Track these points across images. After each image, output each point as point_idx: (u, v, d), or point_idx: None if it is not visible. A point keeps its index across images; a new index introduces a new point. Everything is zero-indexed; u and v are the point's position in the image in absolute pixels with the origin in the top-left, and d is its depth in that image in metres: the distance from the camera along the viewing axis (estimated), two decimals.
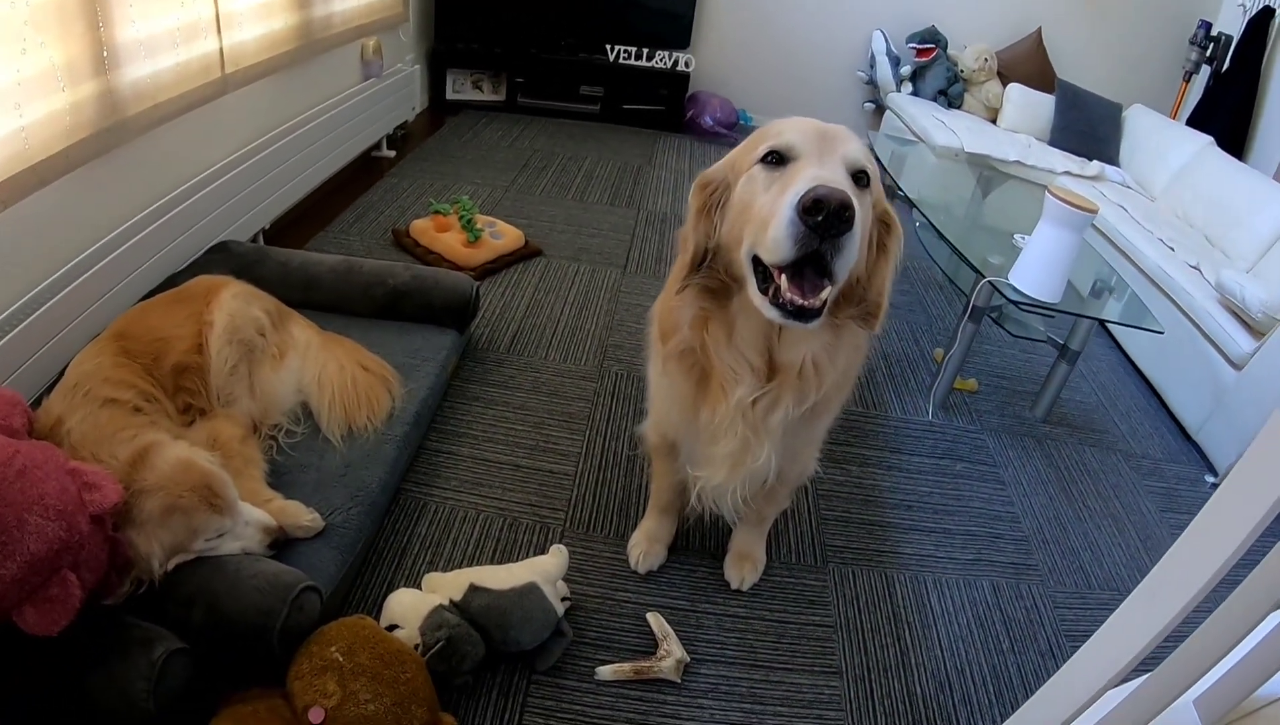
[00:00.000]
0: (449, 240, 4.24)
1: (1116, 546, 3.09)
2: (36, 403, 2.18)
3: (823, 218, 1.47)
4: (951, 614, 2.67)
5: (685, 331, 1.92)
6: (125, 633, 1.78)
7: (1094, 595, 2.81)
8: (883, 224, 1.80)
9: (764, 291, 1.65)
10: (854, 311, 1.82)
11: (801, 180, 1.54)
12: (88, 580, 1.71)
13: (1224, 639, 1.27)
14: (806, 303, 1.58)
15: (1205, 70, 6.80)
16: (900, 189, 4.38)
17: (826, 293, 1.59)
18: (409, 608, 2.11)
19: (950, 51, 7.04)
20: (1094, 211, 3.18)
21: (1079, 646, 1.39)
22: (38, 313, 2.56)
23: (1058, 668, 1.79)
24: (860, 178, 1.68)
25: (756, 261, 1.66)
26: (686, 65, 7.04)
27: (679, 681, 2.26)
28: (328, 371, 2.67)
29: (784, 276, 1.59)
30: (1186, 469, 3.69)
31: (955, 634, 2.60)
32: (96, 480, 1.75)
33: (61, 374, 2.22)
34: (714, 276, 1.83)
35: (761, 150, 1.69)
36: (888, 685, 2.39)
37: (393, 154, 5.70)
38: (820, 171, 1.57)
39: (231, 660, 1.91)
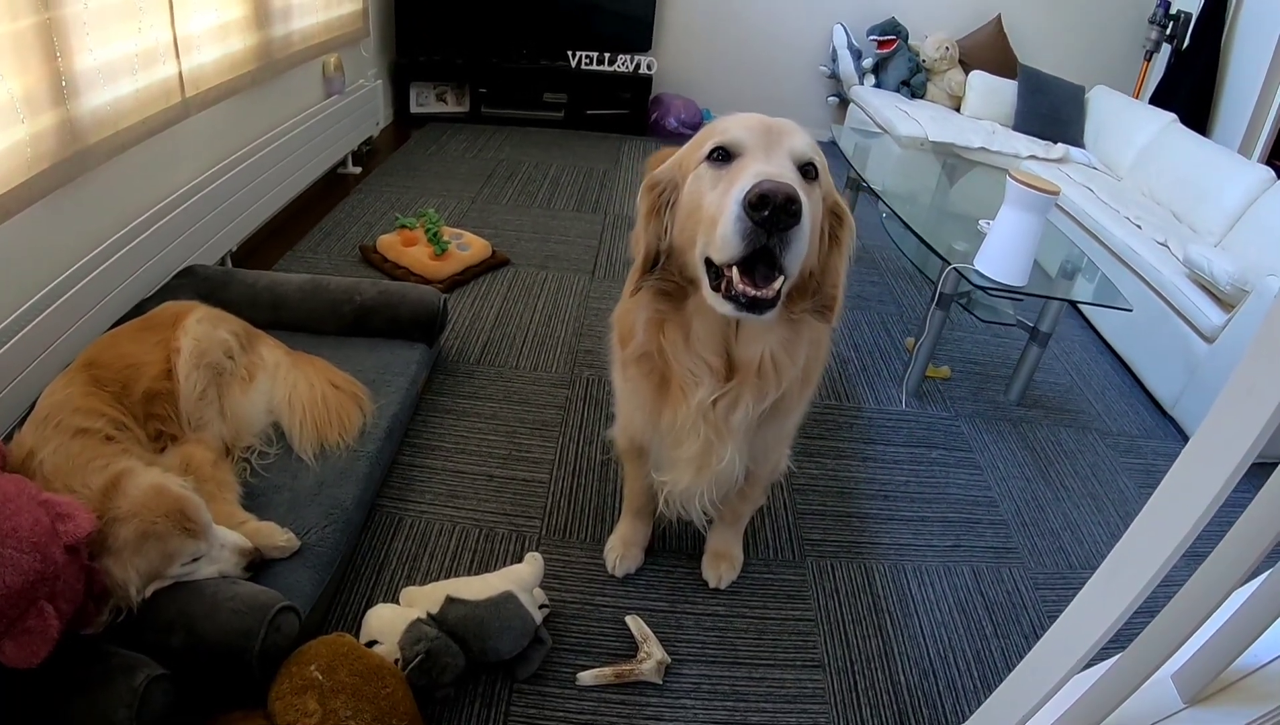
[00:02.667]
0: (416, 254, 4.24)
1: (1096, 525, 3.11)
2: (9, 437, 2.18)
3: (769, 212, 1.48)
4: (933, 602, 2.68)
5: (641, 335, 1.92)
6: (106, 661, 1.78)
7: (1075, 575, 2.82)
8: (834, 215, 1.79)
9: (716, 289, 1.65)
10: (809, 305, 1.82)
11: (747, 176, 1.54)
12: (65, 611, 1.71)
13: (1198, 611, 1.26)
14: (759, 293, 1.57)
15: (1166, 49, 6.87)
16: (865, 181, 4.40)
17: (779, 283, 1.59)
18: (387, 623, 2.11)
19: (911, 42, 7.09)
20: (1055, 193, 3.21)
21: None
22: (6, 346, 2.55)
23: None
24: (808, 170, 1.68)
25: (709, 261, 1.65)
26: (649, 68, 7.04)
27: (661, 683, 2.26)
28: (298, 391, 2.68)
29: (735, 270, 1.58)
30: (1164, 444, 3.71)
31: (937, 621, 2.61)
32: (69, 510, 1.75)
33: (32, 406, 2.22)
34: (668, 278, 1.83)
35: (707, 148, 1.69)
36: (871, 676, 2.40)
37: (358, 170, 5.69)
38: (766, 167, 1.57)
39: (212, 684, 1.91)
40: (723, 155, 1.67)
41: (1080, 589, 1.24)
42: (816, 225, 1.72)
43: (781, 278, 1.59)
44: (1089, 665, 1.41)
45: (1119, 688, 1.42)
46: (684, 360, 1.88)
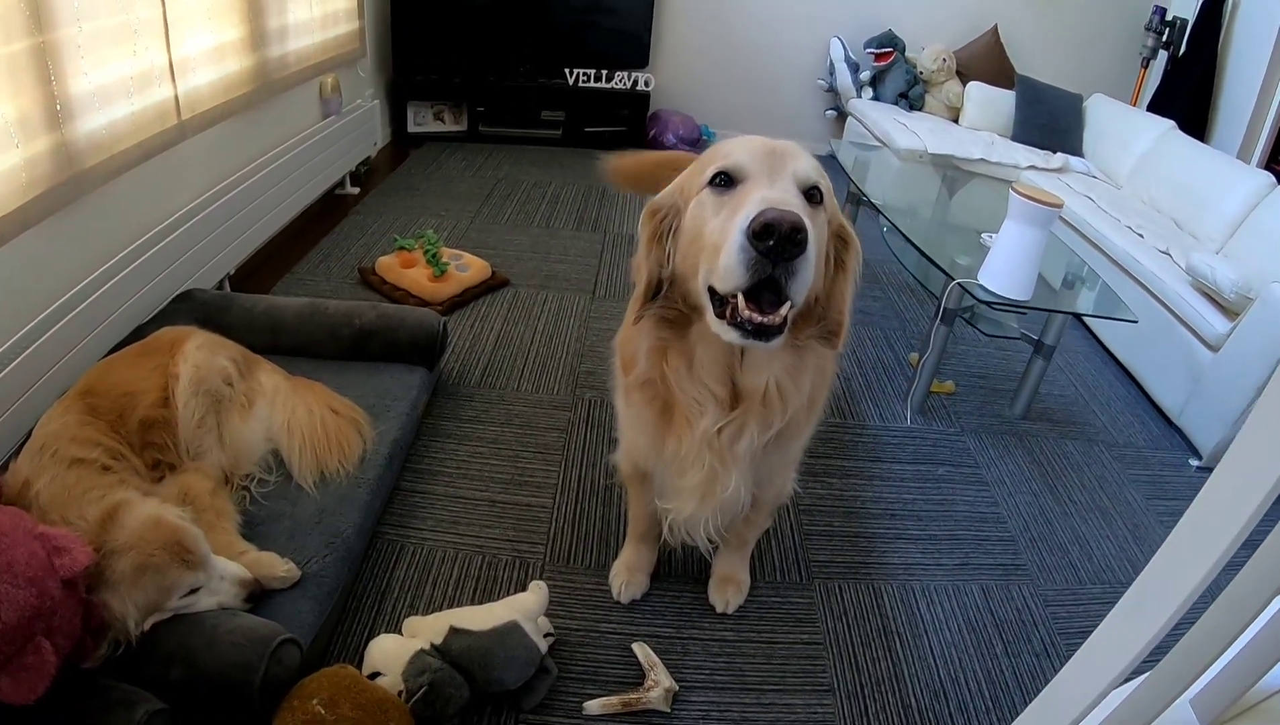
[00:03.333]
0: (415, 276, 4.23)
1: (1105, 538, 3.09)
2: (4, 467, 2.17)
3: (774, 242, 1.44)
4: (942, 621, 2.66)
5: (644, 363, 1.90)
6: (104, 695, 1.76)
7: (1085, 590, 2.81)
8: (839, 239, 1.77)
9: (721, 316, 1.61)
10: (815, 331, 1.80)
11: (751, 203, 1.51)
12: (62, 646, 1.69)
13: (1219, 637, 1.25)
14: (766, 320, 1.54)
15: (1163, 55, 6.87)
16: (865, 195, 4.39)
17: (786, 309, 1.55)
18: (390, 654, 2.09)
19: (908, 54, 7.11)
20: (1059, 206, 3.21)
21: (1073, 644, 1.38)
22: (1, 374, 2.53)
23: (1053, 667, 1.78)
24: (813, 195, 1.65)
25: (713, 289, 1.62)
26: (646, 84, 7.05)
27: (669, 711, 2.24)
28: (297, 417, 2.65)
29: (740, 297, 1.54)
30: (1170, 455, 3.71)
31: (947, 641, 2.59)
32: (66, 544, 1.73)
33: (28, 435, 2.21)
34: (670, 306, 1.80)
35: (709, 172, 1.66)
36: (882, 699, 2.38)
37: (357, 191, 5.69)
38: (770, 193, 1.54)
39: (213, 718, 1.89)
40: (725, 180, 1.64)
41: (1090, 604, 1.22)
42: (822, 250, 1.69)
43: (788, 304, 1.55)
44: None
45: (1139, 714, 1.39)
46: (688, 389, 1.85)
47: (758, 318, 1.54)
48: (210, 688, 1.85)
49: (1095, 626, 1.40)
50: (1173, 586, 1.17)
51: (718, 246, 1.56)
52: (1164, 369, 3.99)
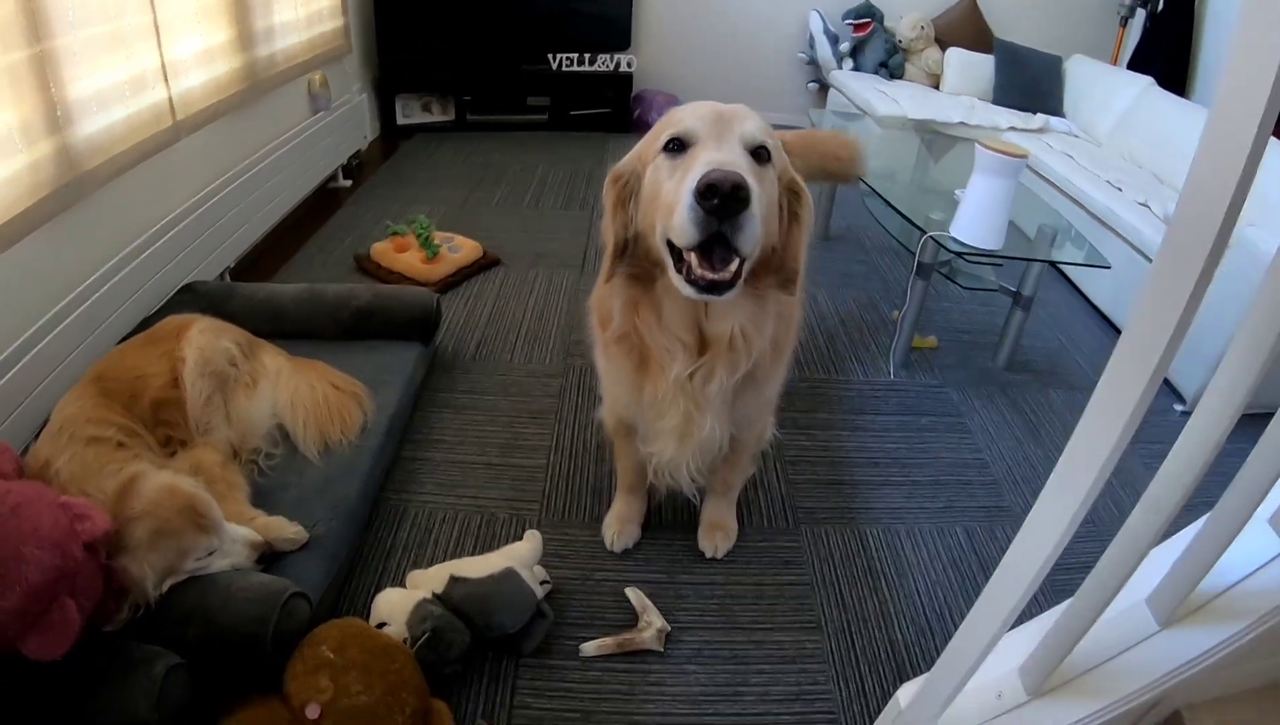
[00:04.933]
0: (408, 259, 4.32)
1: None
2: (25, 452, 2.27)
3: (718, 201, 1.56)
4: (927, 562, 2.73)
5: (618, 318, 2.02)
6: (125, 654, 1.85)
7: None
8: (792, 192, 1.88)
9: (680, 271, 1.73)
10: (773, 279, 1.92)
11: (698, 166, 1.63)
12: (85, 606, 1.79)
13: (1149, 531, 1.34)
14: (717, 276, 1.67)
15: (1141, 14, 6.86)
16: None
17: (735, 266, 1.68)
18: (395, 605, 2.19)
19: (887, 24, 7.15)
20: (1024, 157, 3.28)
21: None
22: (19, 365, 2.64)
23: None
24: (760, 153, 1.76)
25: (671, 245, 1.74)
26: (629, 66, 7.10)
27: (662, 650, 2.33)
28: (300, 393, 2.76)
29: (694, 255, 1.68)
30: (1157, 401, 3.71)
31: (932, 580, 2.66)
32: (86, 511, 1.83)
33: (47, 420, 2.31)
34: (637, 264, 1.93)
35: (663, 139, 1.78)
36: (868, 635, 2.45)
37: (349, 183, 5.76)
38: (716, 155, 1.66)
39: (229, 671, 1.97)
40: (677, 145, 1.76)
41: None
42: (773, 204, 1.81)
43: (738, 260, 1.68)
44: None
45: (1087, 612, 1.48)
46: (659, 338, 1.98)
47: (709, 275, 1.68)
48: (226, 642, 1.94)
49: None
50: (1078, 486, 1.26)
51: (671, 206, 1.69)
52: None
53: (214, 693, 1.94)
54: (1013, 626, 1.63)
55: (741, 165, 1.65)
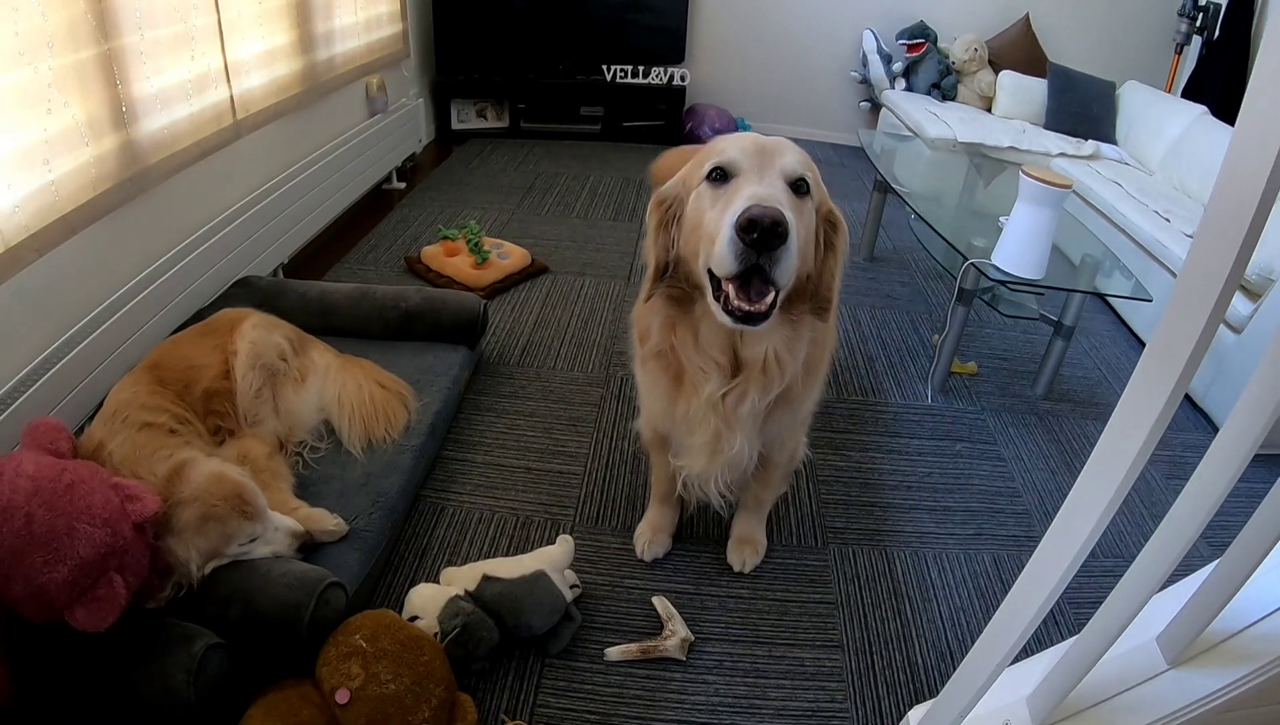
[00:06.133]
0: (458, 263, 4.38)
1: (1120, 515, 3.08)
2: (81, 431, 2.35)
3: (758, 235, 1.63)
4: (952, 587, 2.73)
5: (656, 336, 2.09)
6: (167, 630, 1.93)
7: (1096, 563, 2.80)
8: (829, 223, 1.95)
9: (718, 299, 1.80)
10: (808, 306, 1.98)
11: (740, 199, 1.70)
12: (132, 583, 1.86)
13: (1159, 568, 1.38)
14: (753, 308, 1.74)
15: (1197, 41, 6.79)
16: (890, 183, 4.48)
17: (770, 298, 1.74)
18: (428, 599, 2.25)
19: (940, 44, 7.12)
20: (1068, 186, 3.26)
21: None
22: (77, 349, 2.73)
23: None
24: (799, 186, 1.83)
25: (711, 272, 1.81)
26: (682, 79, 7.14)
27: (684, 659, 2.36)
28: (347, 390, 2.84)
29: (732, 286, 1.75)
30: (1192, 436, 3.70)
31: (957, 606, 2.66)
32: (137, 492, 1.92)
33: (101, 403, 2.40)
34: (677, 285, 1.99)
35: (707, 168, 1.84)
36: (889, 656, 2.46)
37: (403, 185, 5.84)
38: (758, 189, 1.72)
39: (265, 653, 2.05)
40: (720, 175, 1.83)
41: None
42: (810, 236, 1.87)
43: (773, 292, 1.75)
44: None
45: (1096, 645, 1.50)
46: (694, 358, 2.05)
47: (745, 307, 1.75)
48: (264, 625, 2.01)
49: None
50: (1091, 508, 1.29)
51: (713, 236, 1.76)
52: None
53: (249, 673, 2.01)
54: (1025, 656, 1.66)
55: (781, 199, 1.72)
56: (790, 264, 1.71)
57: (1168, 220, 4.67)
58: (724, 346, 2.01)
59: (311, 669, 2.00)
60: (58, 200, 2.69)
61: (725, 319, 1.80)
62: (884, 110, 7.17)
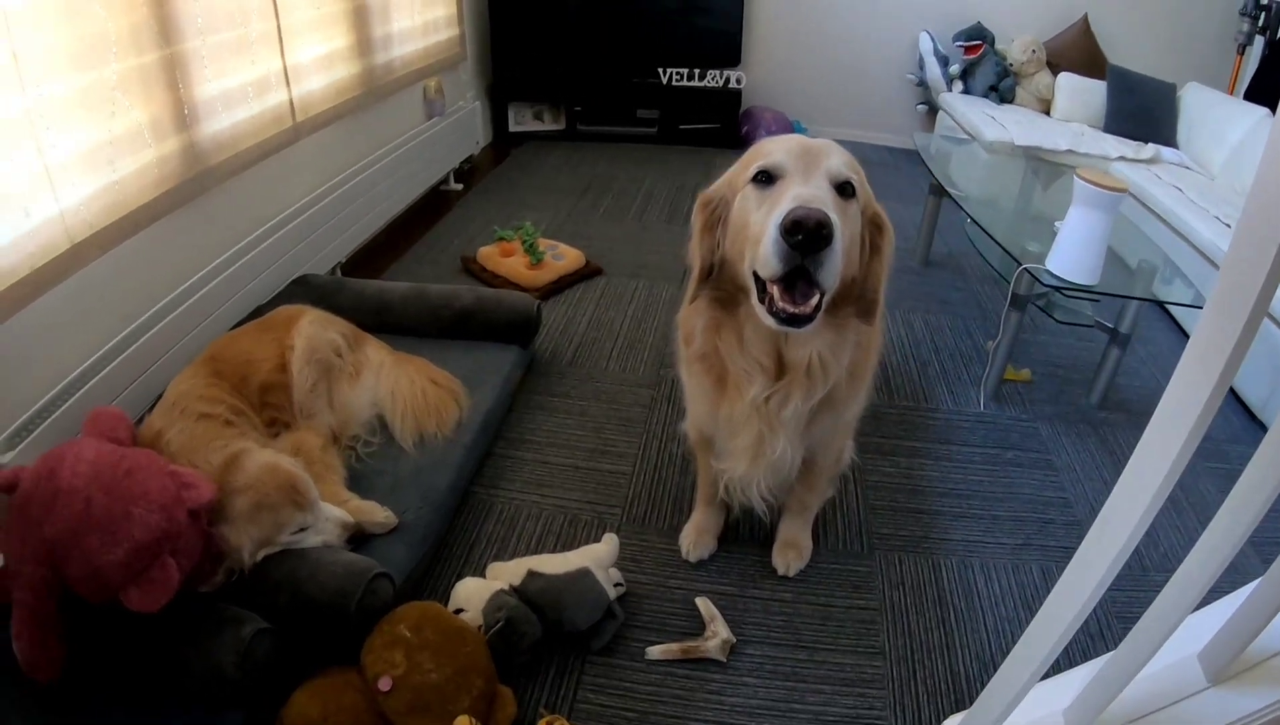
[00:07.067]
0: (513, 264, 4.42)
1: (1173, 529, 3.05)
2: (141, 421, 2.42)
3: (802, 237, 1.65)
4: (998, 597, 2.70)
5: (700, 338, 2.12)
6: (217, 614, 2.00)
7: (1148, 578, 2.79)
8: (874, 225, 1.95)
9: (763, 301, 1.82)
10: (853, 309, 1.99)
11: (785, 201, 1.72)
12: (185, 566, 1.92)
13: (1198, 583, 1.36)
14: (798, 310, 1.76)
15: (1259, 41, 6.62)
16: (946, 187, 4.45)
17: (815, 300, 1.76)
18: (473, 593, 2.29)
19: (998, 46, 7.04)
20: (1123, 191, 3.21)
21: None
22: (139, 342, 2.80)
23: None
24: (844, 189, 1.84)
25: (756, 274, 1.82)
26: (738, 82, 7.09)
27: (725, 661, 2.36)
28: (400, 386, 2.89)
29: (777, 288, 1.77)
30: (1250, 449, 3.49)
31: (1002, 616, 2.63)
32: (193, 480, 1.98)
33: (161, 394, 2.46)
34: (722, 287, 2.02)
35: (752, 170, 1.87)
36: (931, 665, 2.44)
37: (460, 187, 5.91)
38: (803, 191, 1.74)
39: (311, 639, 2.10)
40: (765, 177, 1.85)
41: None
42: (855, 238, 1.89)
43: (818, 295, 1.76)
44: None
45: (1135, 658, 1.49)
46: (739, 361, 2.06)
47: (790, 308, 1.77)
48: (312, 612, 2.07)
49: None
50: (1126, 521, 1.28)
51: (758, 238, 1.77)
52: (1249, 361, 3.85)
53: (295, 658, 2.06)
54: (1065, 669, 1.65)
55: (826, 201, 1.73)
56: (835, 266, 1.72)
57: (1228, 226, 4.58)
58: (769, 349, 2.02)
59: (356, 656, 2.04)
60: (122, 199, 2.76)
61: (770, 321, 1.81)
62: (941, 113, 7.12)
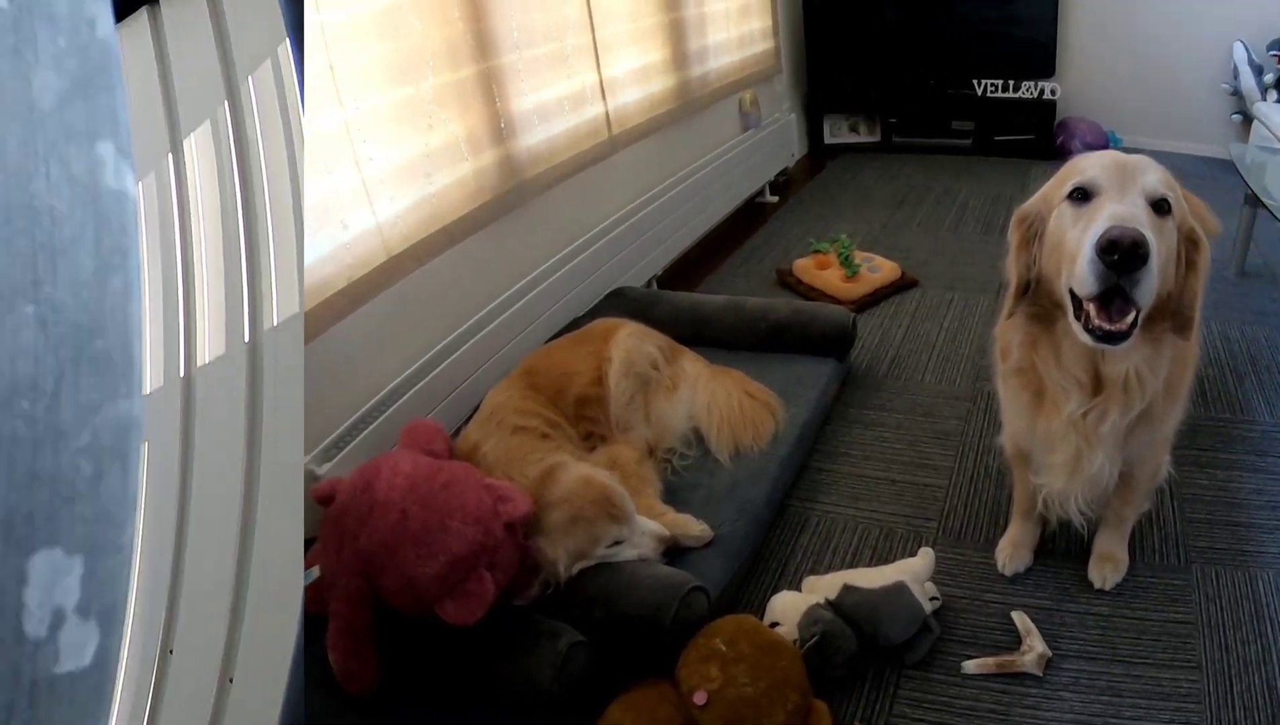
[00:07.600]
0: (829, 276, 4.40)
1: None
2: (457, 433, 2.54)
3: (1118, 257, 1.64)
4: None
5: (1016, 353, 2.11)
6: (534, 627, 2.06)
7: None
8: (1189, 241, 1.93)
9: (1079, 318, 1.82)
10: (1169, 324, 1.95)
11: (1101, 219, 1.72)
12: (500, 580, 1.99)
13: None
14: (1113, 327, 1.75)
15: None
16: (1262, 198, 4.22)
17: (1131, 317, 1.74)
18: (789, 606, 2.29)
19: None
20: None
21: None
22: (456, 354, 2.93)
23: None
24: (1160, 206, 1.82)
25: (1072, 291, 1.82)
26: (1052, 93, 6.87)
27: (1041, 675, 2.29)
28: (716, 399, 2.92)
29: (1093, 305, 1.76)
30: None
31: None
32: (509, 493, 2.05)
33: (477, 407, 2.59)
34: (1038, 303, 2.02)
35: (1068, 187, 1.87)
36: (1248, 680, 2.32)
37: (775, 199, 5.93)
38: (1118, 208, 1.73)
39: (627, 653, 2.14)
40: (1081, 194, 1.85)
41: None
42: (1171, 254, 1.86)
43: (1134, 312, 1.74)
44: None
45: None
46: (1055, 377, 2.05)
47: (1106, 326, 1.77)
48: (627, 626, 2.11)
49: None
50: None
51: (1074, 255, 1.78)
52: None
53: (610, 671, 2.10)
54: None
55: (1142, 219, 1.73)
56: (1150, 284, 1.71)
57: None
58: (1085, 365, 2.00)
59: (671, 670, 2.07)
60: (438, 212, 2.89)
61: (1085, 338, 1.81)
62: (1255, 123, 6.62)
